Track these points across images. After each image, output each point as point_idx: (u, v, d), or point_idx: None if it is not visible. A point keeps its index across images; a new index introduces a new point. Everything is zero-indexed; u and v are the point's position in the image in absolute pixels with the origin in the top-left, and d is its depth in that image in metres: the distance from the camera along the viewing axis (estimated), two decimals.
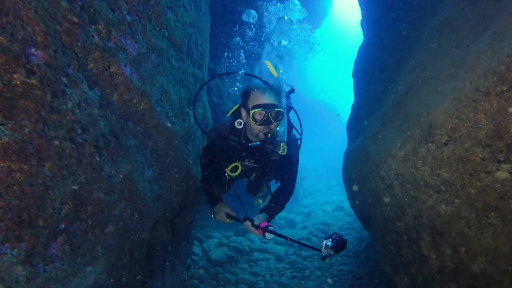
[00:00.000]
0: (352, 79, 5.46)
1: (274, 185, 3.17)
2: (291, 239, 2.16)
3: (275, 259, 5.14)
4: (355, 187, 3.65)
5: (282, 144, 2.49)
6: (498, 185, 1.88)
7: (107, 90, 2.33)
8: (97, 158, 2.12)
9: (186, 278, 4.02)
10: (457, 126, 2.02)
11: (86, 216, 2.05)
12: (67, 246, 1.82)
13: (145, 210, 2.67)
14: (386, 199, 2.89)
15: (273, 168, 2.81)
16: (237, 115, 2.68)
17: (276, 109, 2.38)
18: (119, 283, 2.38)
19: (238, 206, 3.14)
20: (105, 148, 2.23)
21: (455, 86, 2.10)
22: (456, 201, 2.14)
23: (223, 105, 5.63)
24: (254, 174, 2.76)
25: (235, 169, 2.76)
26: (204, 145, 2.85)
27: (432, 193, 2.31)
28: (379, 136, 3.19)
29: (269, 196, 3.15)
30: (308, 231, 7.18)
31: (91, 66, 2.13)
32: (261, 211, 2.53)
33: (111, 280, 2.30)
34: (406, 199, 2.59)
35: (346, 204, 9.22)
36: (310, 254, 5.50)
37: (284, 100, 2.55)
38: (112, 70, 2.36)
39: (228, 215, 2.57)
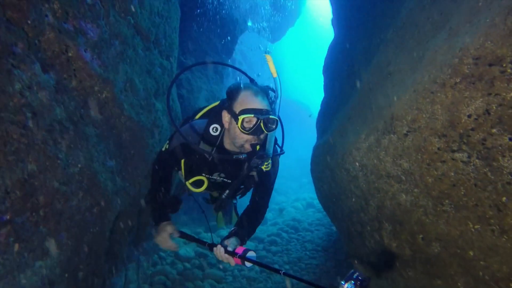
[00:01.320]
0: (322, 75, 5.56)
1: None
2: (285, 273, 1.67)
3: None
4: (322, 181, 3.71)
5: (269, 159, 2.07)
6: (452, 174, 1.97)
7: (65, 75, 2.20)
8: (51, 146, 2.00)
9: (152, 274, 3.90)
10: (416, 117, 2.10)
11: (38, 207, 1.92)
12: (12, 239, 1.69)
13: (106, 203, 2.56)
14: (351, 191, 2.95)
15: (247, 184, 2.32)
16: (213, 118, 2.10)
17: (271, 116, 1.87)
18: (75, 280, 2.26)
19: (202, 220, 2.82)
20: (61, 135, 2.11)
21: (415, 79, 2.18)
22: (415, 190, 2.22)
23: (193, 99, 5.53)
24: (227, 192, 2.24)
25: (199, 183, 2.28)
26: (163, 149, 2.23)
27: (394, 183, 2.38)
28: (346, 130, 3.26)
29: (234, 216, 2.75)
30: (279, 227, 7.23)
31: (44, 47, 2.00)
32: (232, 234, 2.03)
33: (66, 275, 2.18)
34: (369, 190, 2.66)
35: (317, 202, 9.39)
36: (279, 249, 5.54)
37: (277, 107, 2.07)
38: (70, 54, 2.23)
39: (183, 235, 2.14)
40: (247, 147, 1.93)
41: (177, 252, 4.78)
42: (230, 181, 2.28)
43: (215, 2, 6.19)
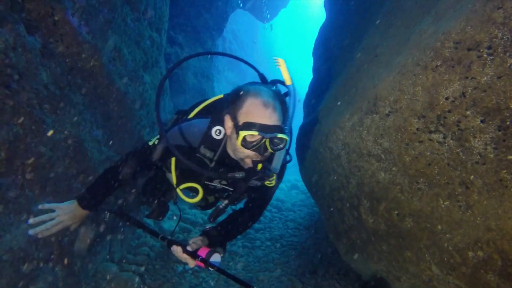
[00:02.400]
0: (312, 57, 5.58)
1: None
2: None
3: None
4: (306, 159, 3.81)
5: (273, 176, 1.77)
6: (428, 153, 2.07)
7: (51, 39, 2.17)
8: (38, 109, 1.99)
9: (136, 246, 3.98)
10: (398, 98, 2.18)
11: (24, 170, 1.94)
12: None
13: (93, 171, 2.58)
14: (334, 169, 3.06)
15: (248, 193, 2.05)
16: (216, 118, 1.75)
17: (279, 135, 1.54)
18: (60, 243, 2.31)
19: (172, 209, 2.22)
20: (48, 100, 2.10)
21: (400, 61, 2.25)
22: (393, 168, 2.33)
23: (182, 75, 5.48)
24: (226, 202, 1.91)
25: (192, 192, 1.93)
26: (151, 143, 1.84)
27: (374, 161, 2.48)
28: (331, 109, 3.33)
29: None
30: None
31: (29, 8, 1.96)
32: (204, 232, 1.78)
33: (52, 239, 2.22)
34: (350, 169, 2.76)
35: (301, 183, 9.59)
36: (262, 226, 5.70)
37: (290, 120, 1.73)
38: (56, 18, 2.19)
39: (127, 218, 1.87)
40: (248, 162, 1.63)
41: (161, 226, 4.86)
42: (232, 189, 1.97)
43: None
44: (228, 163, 1.77)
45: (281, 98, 1.63)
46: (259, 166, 1.67)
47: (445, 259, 1.95)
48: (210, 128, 1.73)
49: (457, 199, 1.95)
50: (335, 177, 3.08)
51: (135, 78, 3.24)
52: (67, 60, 2.30)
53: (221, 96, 2.02)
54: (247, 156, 1.60)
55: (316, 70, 5.31)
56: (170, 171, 1.91)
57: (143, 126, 3.45)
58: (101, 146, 2.76)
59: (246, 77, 19.03)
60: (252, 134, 1.50)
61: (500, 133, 1.67)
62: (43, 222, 1.65)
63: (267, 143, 1.55)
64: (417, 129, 2.11)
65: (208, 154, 1.75)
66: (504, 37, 1.47)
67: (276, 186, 1.96)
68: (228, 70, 15.52)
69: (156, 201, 2.13)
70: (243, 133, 1.50)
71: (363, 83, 2.75)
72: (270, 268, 4.07)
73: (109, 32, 2.71)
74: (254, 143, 1.53)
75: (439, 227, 2.07)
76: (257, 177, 1.65)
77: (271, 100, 1.56)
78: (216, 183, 1.95)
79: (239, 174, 1.66)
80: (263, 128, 1.51)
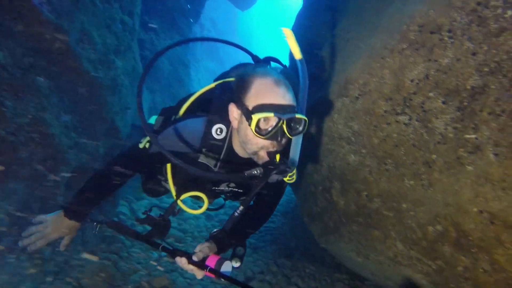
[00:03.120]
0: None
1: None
2: None
3: (205, 218, 5.26)
4: None
5: (294, 170, 1.48)
6: (395, 135, 2.14)
7: (7, 17, 2.06)
8: None
9: (110, 234, 3.93)
10: (367, 81, 2.23)
11: None
12: None
13: (60, 157, 2.50)
14: (307, 154, 3.11)
15: (260, 193, 1.77)
16: (214, 114, 1.54)
17: (297, 115, 1.35)
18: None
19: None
20: (7, 82, 2.00)
21: (369, 45, 2.29)
22: (363, 151, 2.40)
23: (157, 62, 5.36)
24: (241, 208, 1.60)
25: (195, 201, 1.75)
26: (141, 146, 1.62)
27: (345, 144, 2.54)
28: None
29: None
30: None
31: None
32: (212, 237, 1.60)
33: (16, 227, 2.16)
34: (323, 152, 2.82)
35: None
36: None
37: (302, 101, 1.51)
38: None
39: (120, 228, 1.66)
40: (263, 155, 1.39)
41: (137, 215, 4.81)
42: (242, 191, 1.77)
43: None
44: (235, 164, 1.55)
45: (290, 77, 1.43)
46: (278, 157, 1.38)
47: (408, 235, 2.05)
48: (209, 128, 1.51)
49: (421, 178, 2.03)
50: (309, 162, 3.14)
51: (106, 62, 3.14)
52: (28, 40, 2.19)
53: (212, 86, 1.74)
54: (261, 147, 1.37)
55: (291, 57, 5.33)
56: (166, 180, 1.68)
57: (116, 112, 3.37)
58: (70, 131, 2.67)
59: (225, 66, 18.83)
60: (267, 117, 1.29)
61: (458, 113, 1.75)
62: (33, 234, 1.55)
63: (284, 127, 1.32)
64: (385, 111, 2.17)
65: (212, 157, 1.53)
66: (462, 21, 1.53)
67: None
68: (207, 59, 15.29)
69: (158, 217, 1.82)
70: (256, 117, 1.28)
71: (335, 67, 2.79)
72: (247, 253, 4.12)
73: (76, 12, 2.60)
74: (270, 129, 1.32)
75: (404, 205, 2.16)
76: (278, 170, 1.36)
77: (282, 78, 1.38)
78: (223, 187, 1.72)
79: (256, 171, 1.39)
80: (278, 109, 1.30)
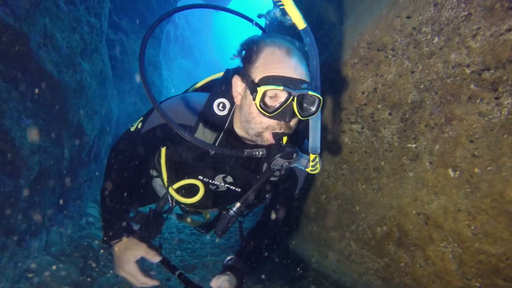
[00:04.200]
0: None
1: None
2: None
3: (176, 219, 5.30)
4: None
5: (312, 157, 1.26)
6: (350, 142, 2.30)
7: None
8: None
9: (78, 238, 3.87)
10: (325, 91, 2.38)
11: None
12: None
13: (22, 162, 2.47)
14: None
15: (263, 194, 1.57)
16: (218, 90, 1.37)
17: (311, 92, 1.14)
18: None
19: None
20: None
21: (326, 58, 2.45)
22: (322, 157, 2.55)
23: (127, 62, 5.30)
24: (237, 206, 1.35)
25: (190, 190, 1.49)
26: (132, 129, 1.45)
27: None
28: None
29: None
30: None
31: None
32: (227, 267, 1.39)
33: None
34: None
35: None
36: (211, 214, 5.80)
37: (317, 78, 1.21)
38: None
39: (166, 263, 1.41)
40: (267, 137, 1.20)
41: None
42: (239, 190, 1.51)
43: None
44: (235, 146, 1.35)
45: (304, 50, 1.19)
46: (285, 139, 1.20)
47: (360, 235, 2.22)
48: (211, 102, 1.33)
49: (372, 183, 2.20)
50: None
51: (71, 65, 3.11)
52: None
53: (220, 74, 1.57)
54: (266, 127, 1.18)
55: None
56: (159, 169, 1.51)
57: (82, 115, 3.33)
58: (32, 135, 2.64)
59: (200, 63, 18.70)
60: (274, 89, 1.10)
61: (402, 124, 1.92)
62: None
63: (294, 105, 1.12)
64: (341, 120, 2.33)
65: (209, 135, 1.33)
66: (402, 42, 1.69)
67: (303, 178, 1.53)
68: (181, 58, 15.14)
69: (149, 213, 1.62)
70: (262, 89, 1.10)
71: None
72: (216, 253, 4.20)
73: (37, 15, 2.57)
74: (277, 106, 1.12)
75: (357, 207, 2.33)
76: (284, 153, 1.14)
77: (295, 47, 1.19)
78: (218, 180, 1.48)
79: (258, 152, 1.21)
80: (289, 83, 1.10)
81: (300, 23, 1.15)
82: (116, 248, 1.37)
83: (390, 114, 1.99)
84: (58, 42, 2.88)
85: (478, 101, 1.47)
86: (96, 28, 3.68)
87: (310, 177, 1.59)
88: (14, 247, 2.49)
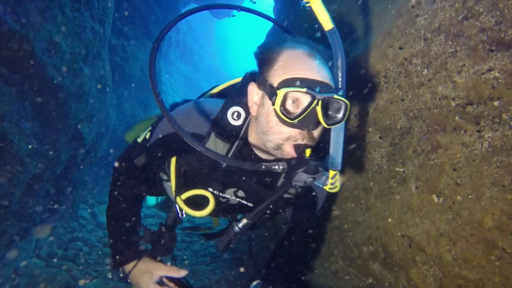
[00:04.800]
0: None
1: None
2: None
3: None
4: None
5: (332, 174, 1.12)
6: None
7: None
8: None
9: (68, 240, 3.88)
10: None
11: None
12: None
13: (18, 164, 2.50)
14: None
15: (276, 208, 1.48)
16: (233, 98, 1.25)
17: (337, 96, 1.03)
18: None
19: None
20: None
21: None
22: None
23: (127, 68, 5.35)
24: (245, 222, 1.22)
25: (200, 201, 1.40)
26: (140, 140, 1.37)
27: None
28: None
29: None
30: None
31: None
32: None
33: None
34: None
35: None
36: (203, 221, 5.83)
37: (340, 81, 1.13)
38: None
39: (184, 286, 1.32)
40: (288, 150, 1.07)
41: (98, 220, 4.75)
42: (251, 205, 1.42)
43: None
44: (249, 160, 1.23)
45: (327, 54, 1.11)
46: (308, 151, 1.04)
47: (347, 253, 2.27)
48: (225, 110, 1.22)
49: (360, 202, 2.27)
50: None
51: (73, 70, 3.17)
52: None
53: (238, 80, 1.45)
54: (287, 138, 1.05)
55: None
56: (167, 174, 1.43)
57: (81, 120, 3.38)
58: (31, 139, 2.68)
59: (200, 68, 18.81)
60: (296, 92, 0.97)
61: (391, 148, 2.00)
62: None
63: (319, 111, 0.99)
64: None
65: (222, 146, 1.22)
66: (394, 70, 1.78)
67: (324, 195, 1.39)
68: (180, 62, 15.26)
69: (160, 229, 1.54)
70: (283, 91, 0.98)
71: None
72: (206, 261, 4.22)
73: (42, 22, 2.63)
74: (300, 111, 0.99)
75: (346, 226, 2.39)
76: (307, 168, 0.98)
77: (317, 49, 1.09)
78: (229, 194, 1.37)
79: (278, 166, 1.06)
80: (312, 84, 0.98)
81: (327, 23, 1.07)
82: (131, 275, 1.30)
83: (380, 137, 2.06)
84: (62, 48, 2.94)
85: (462, 132, 1.54)
86: (99, 34, 3.75)
87: (330, 195, 1.43)
88: (3, 249, 2.50)
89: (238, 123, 1.23)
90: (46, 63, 2.72)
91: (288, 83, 1.02)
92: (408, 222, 1.80)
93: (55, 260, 3.35)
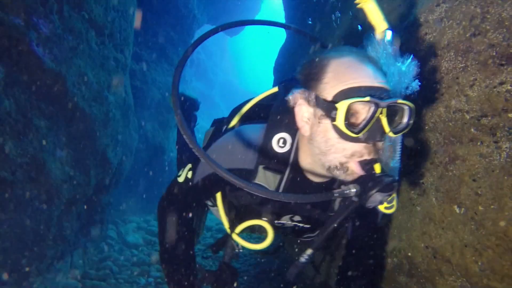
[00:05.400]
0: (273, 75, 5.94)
1: None
2: None
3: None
4: None
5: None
6: None
7: (14, 68, 2.29)
8: None
9: (99, 261, 4.03)
10: None
11: None
12: None
13: (55, 191, 2.68)
14: None
15: (341, 228, 1.40)
16: (275, 121, 1.15)
17: (400, 100, 0.95)
18: (17, 265, 2.40)
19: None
20: (10, 127, 2.21)
21: None
22: None
23: (147, 91, 5.61)
24: (309, 251, 1.23)
25: (254, 229, 1.35)
26: (182, 179, 1.27)
27: None
28: None
29: None
30: None
31: None
32: None
33: (9, 262, 2.31)
34: None
35: None
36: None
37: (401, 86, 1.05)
38: (20, 48, 2.31)
39: None
40: (354, 168, 0.96)
41: (125, 239, 4.91)
42: (308, 226, 1.36)
43: None
44: (302, 188, 1.15)
45: (377, 59, 1.01)
46: (377, 167, 0.94)
47: None
48: (268, 138, 1.12)
49: None
50: None
51: (99, 99, 3.37)
52: (31, 87, 2.42)
53: (273, 90, 1.37)
54: (351, 154, 0.94)
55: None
56: (215, 203, 1.38)
57: (107, 145, 3.57)
58: (64, 166, 2.86)
59: (215, 86, 19.24)
60: (359, 102, 0.88)
61: (408, 161, 2.04)
62: None
63: (384, 120, 0.90)
64: None
65: (272, 178, 1.14)
66: None
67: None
68: (195, 80, 15.67)
69: (220, 267, 1.47)
70: (344, 104, 0.87)
71: None
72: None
73: (73, 58, 2.85)
74: (364, 124, 0.89)
75: None
76: (383, 186, 0.89)
77: (367, 56, 0.99)
78: (285, 220, 1.31)
79: (350, 189, 0.94)
80: (372, 91, 0.89)
81: (381, 24, 1.00)
82: None
83: None
84: (89, 79, 3.15)
85: (478, 143, 1.58)
86: (121, 63, 3.98)
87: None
88: (44, 272, 2.66)
89: (284, 149, 1.13)
90: (77, 95, 2.92)
91: (346, 94, 0.91)
92: (431, 233, 1.82)
93: (89, 280, 3.49)
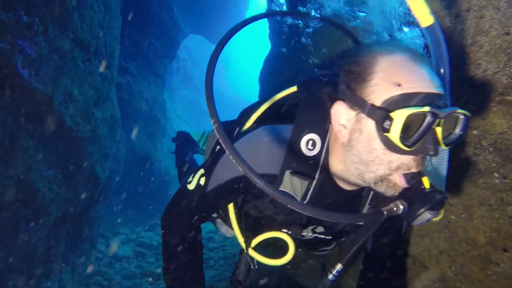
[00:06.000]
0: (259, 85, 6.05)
1: None
2: None
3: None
4: None
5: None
6: None
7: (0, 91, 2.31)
8: None
9: (88, 276, 4.01)
10: None
11: None
12: None
13: (43, 210, 2.69)
14: None
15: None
16: (303, 120, 1.02)
17: (459, 109, 0.79)
18: (5, 284, 2.39)
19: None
20: None
21: None
22: None
23: (134, 103, 5.62)
24: (339, 266, 1.11)
25: (271, 242, 1.21)
26: (192, 186, 1.12)
27: None
28: None
29: None
30: None
31: None
32: None
33: None
34: None
35: None
36: (216, 245, 5.92)
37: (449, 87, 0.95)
38: (5, 71, 2.33)
39: None
40: (398, 181, 0.84)
41: (115, 252, 4.89)
42: (330, 238, 1.23)
43: (156, 8, 6.30)
44: (332, 197, 1.05)
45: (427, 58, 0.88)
46: (426, 181, 0.84)
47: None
48: (296, 140, 0.99)
49: None
50: None
51: (86, 116, 3.39)
52: (18, 109, 2.43)
53: (292, 89, 1.23)
54: (397, 167, 0.83)
55: (261, 97, 5.77)
56: (222, 215, 1.29)
57: (95, 161, 3.58)
58: (52, 184, 2.87)
59: (202, 92, 19.08)
60: (419, 113, 0.75)
61: None
62: None
63: (439, 132, 0.79)
64: None
65: (299, 185, 1.02)
66: None
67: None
68: (183, 88, 15.66)
69: (233, 284, 1.34)
70: (403, 114, 0.75)
71: None
72: (222, 286, 4.30)
73: (60, 77, 2.88)
74: (418, 136, 0.77)
75: None
76: (433, 202, 0.79)
77: (417, 53, 0.85)
78: (307, 232, 1.18)
79: (398, 206, 0.83)
80: (430, 99, 0.78)
81: (427, 18, 0.89)
82: None
83: None
84: (76, 97, 3.17)
85: None
86: (107, 78, 4.00)
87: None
88: None
89: (314, 152, 0.99)
90: (63, 113, 2.94)
91: (402, 101, 0.77)
92: (410, 241, 1.93)
93: None
